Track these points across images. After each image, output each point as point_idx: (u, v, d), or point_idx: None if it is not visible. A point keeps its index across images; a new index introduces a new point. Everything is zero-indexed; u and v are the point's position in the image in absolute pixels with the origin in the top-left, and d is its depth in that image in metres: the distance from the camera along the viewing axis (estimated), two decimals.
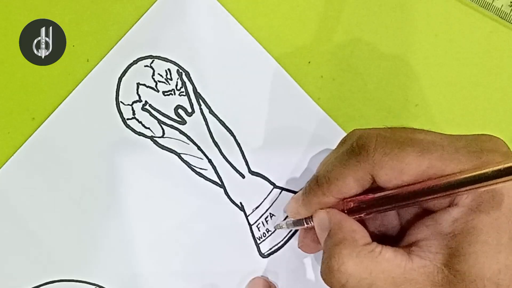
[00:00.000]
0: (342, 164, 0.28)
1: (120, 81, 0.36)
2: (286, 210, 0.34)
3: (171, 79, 0.36)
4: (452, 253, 0.25)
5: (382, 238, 0.28)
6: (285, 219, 0.35)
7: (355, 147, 0.27)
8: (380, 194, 0.27)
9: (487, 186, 0.23)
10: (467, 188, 0.24)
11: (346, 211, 0.29)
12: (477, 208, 0.25)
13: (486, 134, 0.27)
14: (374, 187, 0.27)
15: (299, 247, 0.35)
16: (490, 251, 0.24)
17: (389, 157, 0.26)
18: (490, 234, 0.24)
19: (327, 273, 0.26)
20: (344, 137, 0.30)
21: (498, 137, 0.27)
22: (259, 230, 0.36)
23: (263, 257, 0.36)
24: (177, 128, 0.36)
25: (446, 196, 0.25)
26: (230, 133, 0.36)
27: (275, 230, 0.36)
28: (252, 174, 0.36)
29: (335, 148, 0.31)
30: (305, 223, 0.31)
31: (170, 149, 0.36)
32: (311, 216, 0.31)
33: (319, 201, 0.29)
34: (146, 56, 0.36)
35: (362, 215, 0.28)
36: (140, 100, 0.36)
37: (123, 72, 0.36)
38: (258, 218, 0.36)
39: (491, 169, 0.23)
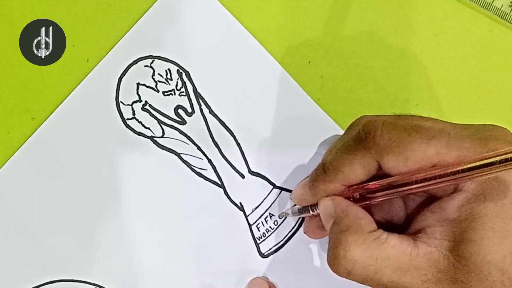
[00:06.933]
0: (349, 151, 0.28)
1: (120, 81, 0.36)
2: (293, 197, 0.34)
3: (171, 79, 0.36)
4: (458, 239, 0.25)
5: (388, 227, 0.27)
6: (292, 207, 0.35)
7: (361, 134, 0.27)
8: (385, 180, 0.27)
9: (495, 172, 0.23)
10: (474, 174, 0.23)
11: (351, 199, 0.28)
12: (482, 194, 0.25)
13: (492, 124, 0.27)
14: (380, 174, 0.27)
15: (304, 233, 0.35)
16: (496, 238, 0.24)
17: (395, 144, 0.26)
18: (495, 221, 0.24)
19: (333, 260, 0.26)
20: (351, 123, 0.30)
21: (503, 127, 0.26)
22: (259, 230, 0.36)
23: (263, 257, 0.36)
24: (177, 128, 0.36)
25: (451, 182, 0.25)
26: (230, 133, 0.36)
27: (282, 220, 0.36)
28: (252, 174, 0.36)
29: (342, 135, 0.31)
30: (310, 211, 0.31)
31: (170, 149, 0.36)
32: (317, 204, 0.30)
33: (325, 188, 0.29)
34: (146, 56, 0.36)
35: (367, 202, 0.28)
36: (140, 100, 0.36)
37: (123, 72, 0.36)
38: (258, 218, 0.36)
39: (498, 157, 0.22)
